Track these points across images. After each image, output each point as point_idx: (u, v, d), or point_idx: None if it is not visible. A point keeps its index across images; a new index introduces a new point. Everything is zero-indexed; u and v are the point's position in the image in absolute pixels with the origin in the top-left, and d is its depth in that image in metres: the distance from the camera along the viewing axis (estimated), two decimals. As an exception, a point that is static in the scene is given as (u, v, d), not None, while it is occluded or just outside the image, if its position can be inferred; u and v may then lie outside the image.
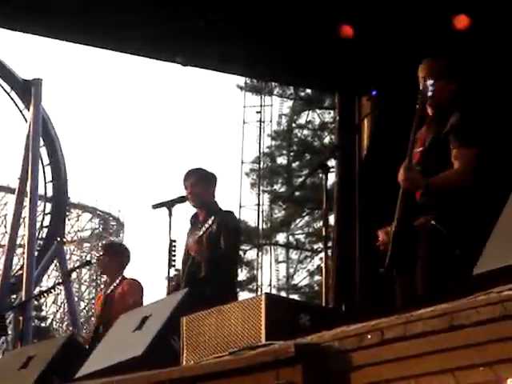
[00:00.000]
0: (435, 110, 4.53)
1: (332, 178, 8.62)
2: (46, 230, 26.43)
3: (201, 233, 5.89)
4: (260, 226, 24.00)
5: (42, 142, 23.07)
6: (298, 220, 23.02)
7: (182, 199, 5.94)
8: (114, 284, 6.59)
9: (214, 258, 5.87)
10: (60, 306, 37.09)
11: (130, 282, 6.77)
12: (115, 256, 6.84)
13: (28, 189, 20.90)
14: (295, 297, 21.54)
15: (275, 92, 23.86)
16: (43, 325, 35.57)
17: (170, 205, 5.83)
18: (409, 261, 4.41)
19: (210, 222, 5.82)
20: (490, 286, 3.12)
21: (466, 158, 4.38)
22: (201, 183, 5.99)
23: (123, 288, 6.70)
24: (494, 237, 3.32)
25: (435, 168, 4.45)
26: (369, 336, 3.22)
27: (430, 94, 4.45)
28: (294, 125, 23.30)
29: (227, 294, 5.68)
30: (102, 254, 6.96)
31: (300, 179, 21.92)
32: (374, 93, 5.35)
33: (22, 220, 23.33)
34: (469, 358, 2.94)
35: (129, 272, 6.90)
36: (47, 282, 32.56)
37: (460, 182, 4.38)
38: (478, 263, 3.28)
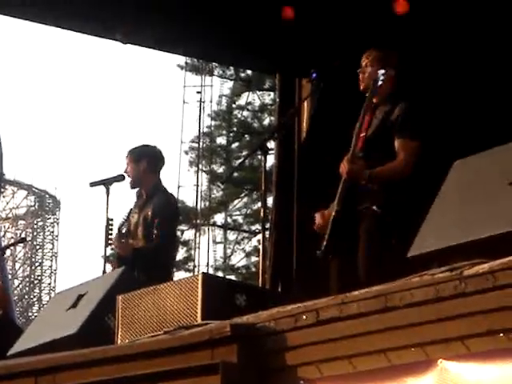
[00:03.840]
0: (380, 98, 4.59)
1: (271, 159, 8.65)
2: (-20, 207, 26.04)
3: (133, 221, 5.84)
4: (198, 206, 23.97)
5: (-23, 117, 22.68)
6: (236, 201, 23.03)
7: (120, 177, 5.89)
8: None
9: (141, 253, 5.76)
10: (-7, 284, 36.61)
11: None
12: None
13: (-38, 164, 20.56)
14: (232, 277, 21.58)
15: (215, 72, 23.78)
16: (-24, 302, 35.08)
17: (107, 183, 5.77)
18: (346, 245, 4.45)
19: (148, 211, 5.77)
20: (424, 268, 3.17)
21: (409, 150, 4.45)
22: (131, 163, 5.92)
23: None
24: (428, 220, 3.38)
25: (378, 156, 4.51)
26: (304, 316, 3.24)
27: (380, 82, 4.51)
28: (234, 105, 23.25)
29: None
30: None
31: (239, 160, 21.91)
32: (314, 75, 5.36)
33: (-45, 196, 22.96)
34: (401, 339, 2.99)
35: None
36: (-19, 259, 32.06)
37: (400, 174, 4.46)
38: (412, 246, 3.33)
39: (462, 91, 6.48)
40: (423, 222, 3.40)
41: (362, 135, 4.59)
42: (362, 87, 4.73)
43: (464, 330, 2.84)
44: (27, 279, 39.24)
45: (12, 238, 37.08)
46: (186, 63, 23.52)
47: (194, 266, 23.45)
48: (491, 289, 2.80)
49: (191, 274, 21.13)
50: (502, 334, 2.74)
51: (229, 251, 24.38)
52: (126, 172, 5.93)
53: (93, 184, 5.84)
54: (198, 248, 23.57)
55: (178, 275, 20.78)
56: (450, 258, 3.13)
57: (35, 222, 39.94)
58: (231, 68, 21.86)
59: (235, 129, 22.93)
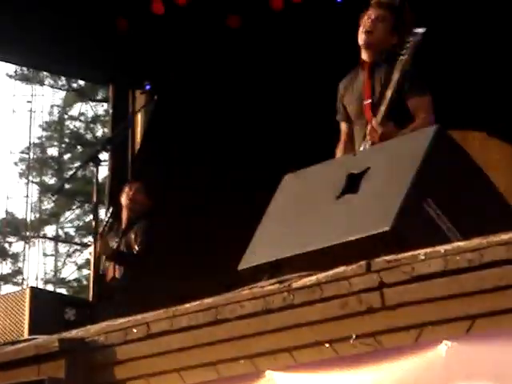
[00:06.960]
0: (376, 56, 4.19)
1: (104, 171, 8.55)
2: None
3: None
4: (28, 218, 23.39)
5: None
6: (67, 213, 22.64)
7: None
8: None
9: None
10: None
11: None
12: None
13: None
14: (63, 291, 21.16)
15: (46, 82, 23.31)
16: None
17: None
18: None
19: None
20: (255, 281, 3.21)
21: (427, 106, 4.15)
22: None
23: None
24: (258, 233, 3.42)
25: (395, 120, 4.07)
26: (135, 330, 3.21)
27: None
28: (66, 116, 22.88)
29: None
30: None
31: (71, 171, 21.56)
32: (147, 86, 5.34)
33: None
34: (231, 351, 3.01)
35: None
36: None
37: None
38: (242, 259, 3.36)
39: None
40: (254, 235, 3.43)
41: (366, 102, 4.16)
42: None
43: (291, 341, 2.89)
44: None
45: None
46: (16, 72, 22.96)
47: (23, 280, 22.85)
48: (318, 300, 2.85)
49: (19, 287, 20.59)
50: (327, 345, 2.80)
51: (60, 264, 23.90)
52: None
53: None
54: (28, 261, 22.99)
55: (6, 289, 20.22)
56: (280, 271, 3.18)
57: None
58: (63, 78, 21.51)
59: (67, 140, 22.56)
